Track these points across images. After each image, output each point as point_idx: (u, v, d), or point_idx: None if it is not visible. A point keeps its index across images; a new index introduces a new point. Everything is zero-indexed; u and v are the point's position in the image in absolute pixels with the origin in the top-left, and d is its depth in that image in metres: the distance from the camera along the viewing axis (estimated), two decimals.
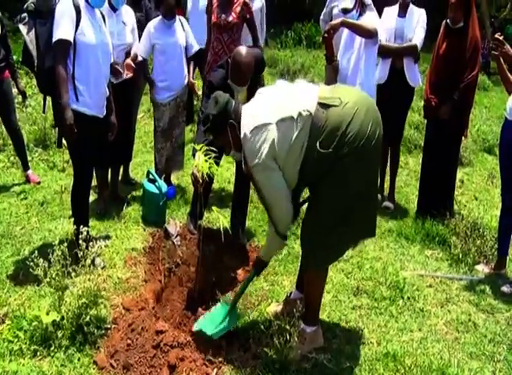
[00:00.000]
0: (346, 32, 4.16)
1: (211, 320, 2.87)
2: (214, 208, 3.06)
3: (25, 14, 3.25)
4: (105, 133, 3.54)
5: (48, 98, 3.48)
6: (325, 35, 3.97)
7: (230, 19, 4.29)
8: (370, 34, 3.97)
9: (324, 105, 2.48)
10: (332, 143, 2.43)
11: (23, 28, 3.25)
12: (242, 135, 2.55)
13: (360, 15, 4.08)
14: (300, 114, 2.47)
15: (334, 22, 3.99)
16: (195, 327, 2.86)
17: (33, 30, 3.23)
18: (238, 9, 4.30)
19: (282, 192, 2.56)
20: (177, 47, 4.28)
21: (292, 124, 2.47)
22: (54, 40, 3.14)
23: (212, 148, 2.91)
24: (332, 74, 4.22)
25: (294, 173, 2.56)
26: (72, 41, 3.15)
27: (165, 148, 4.43)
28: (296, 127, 2.47)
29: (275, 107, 2.54)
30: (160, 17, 4.25)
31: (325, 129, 2.44)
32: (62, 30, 3.13)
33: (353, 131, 2.42)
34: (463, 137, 4.50)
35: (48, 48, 3.18)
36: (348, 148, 2.42)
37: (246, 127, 2.53)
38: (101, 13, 3.45)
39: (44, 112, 3.67)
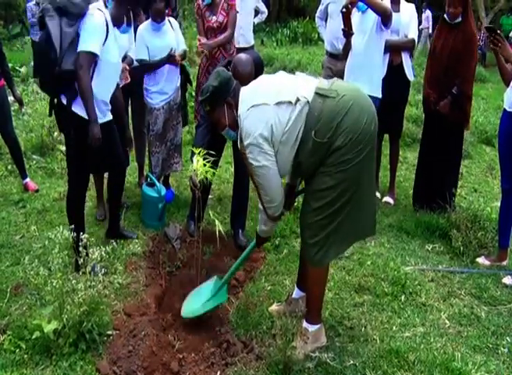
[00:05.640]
0: (357, 16, 4.19)
1: (197, 299, 3.03)
2: (210, 212, 3.06)
3: (49, 6, 3.12)
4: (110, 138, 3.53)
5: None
6: (344, 10, 3.97)
7: (221, 19, 4.28)
8: (386, 13, 4.01)
9: (321, 96, 2.48)
10: (328, 133, 2.43)
11: (51, 22, 3.11)
12: (239, 113, 2.56)
13: None
14: (297, 100, 2.47)
15: None
16: (184, 313, 2.99)
17: (59, 28, 3.11)
18: (225, 6, 4.29)
19: (274, 173, 2.55)
20: (167, 49, 4.25)
21: (289, 109, 2.48)
22: (84, 49, 3.11)
23: (211, 152, 2.89)
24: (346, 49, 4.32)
25: (288, 163, 2.57)
26: (99, 56, 3.19)
27: (161, 151, 4.41)
28: (292, 113, 2.47)
29: (274, 91, 2.55)
30: (149, 20, 4.24)
31: (321, 119, 2.45)
32: (95, 43, 3.14)
33: (348, 124, 2.42)
34: (465, 130, 4.49)
35: (70, 51, 3.12)
36: (343, 139, 2.42)
37: (244, 106, 2.55)
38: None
39: (50, 115, 3.58)
